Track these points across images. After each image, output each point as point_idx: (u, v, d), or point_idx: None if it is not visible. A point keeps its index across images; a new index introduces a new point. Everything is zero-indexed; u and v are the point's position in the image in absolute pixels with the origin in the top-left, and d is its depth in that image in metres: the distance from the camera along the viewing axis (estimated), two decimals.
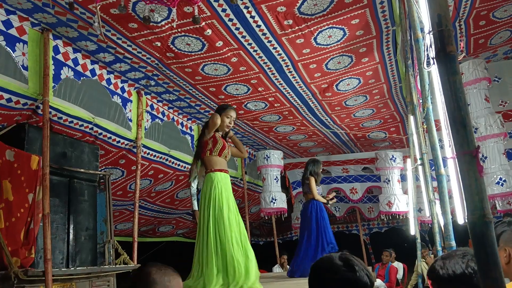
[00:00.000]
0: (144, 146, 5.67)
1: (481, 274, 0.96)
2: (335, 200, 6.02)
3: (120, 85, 5.24)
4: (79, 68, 4.56)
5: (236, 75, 5.34)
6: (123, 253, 4.74)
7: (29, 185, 3.72)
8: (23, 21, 3.88)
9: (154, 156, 5.99)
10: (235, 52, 4.75)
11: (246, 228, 8.69)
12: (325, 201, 5.98)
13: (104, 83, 4.96)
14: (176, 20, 3.97)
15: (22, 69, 3.86)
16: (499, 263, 0.94)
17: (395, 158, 8.56)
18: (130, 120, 5.38)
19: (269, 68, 5.21)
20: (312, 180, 6.03)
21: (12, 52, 3.77)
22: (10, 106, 3.85)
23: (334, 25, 4.41)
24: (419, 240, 7.48)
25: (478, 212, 0.97)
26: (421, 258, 7.50)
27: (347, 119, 7.41)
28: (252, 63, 5.05)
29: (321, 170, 6.24)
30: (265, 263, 9.74)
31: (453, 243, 2.82)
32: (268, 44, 4.64)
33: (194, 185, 5.72)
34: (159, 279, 1.63)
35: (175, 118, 6.49)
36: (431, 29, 1.12)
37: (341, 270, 1.45)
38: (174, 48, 4.55)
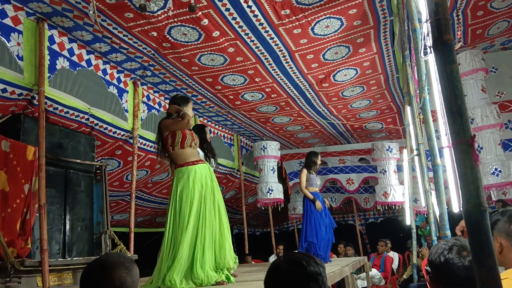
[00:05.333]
0: (141, 137, 5.65)
1: (475, 262, 0.96)
2: (320, 206, 5.97)
3: (116, 75, 5.21)
4: (74, 58, 4.53)
5: (233, 66, 5.32)
6: (120, 244, 4.74)
7: (25, 175, 3.71)
8: (18, 11, 3.84)
9: (151, 146, 5.98)
10: (232, 42, 4.73)
11: (242, 218, 8.76)
12: (311, 196, 5.94)
13: (100, 73, 4.93)
14: (172, 9, 3.93)
15: (17, 59, 3.83)
16: (493, 251, 0.95)
17: (392, 149, 8.58)
18: (126, 111, 5.36)
19: (266, 59, 5.20)
20: (303, 172, 6.02)
21: (7, 42, 3.73)
22: (5, 96, 3.83)
23: (331, 15, 4.39)
24: (414, 230, 7.53)
25: (473, 200, 0.97)
26: (416, 252, 7.55)
27: (344, 110, 7.41)
28: (249, 54, 5.02)
29: (318, 161, 6.20)
30: (261, 253, 9.81)
31: (448, 233, 2.85)
32: (265, 34, 4.61)
33: None
34: (132, 281, 1.51)
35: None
36: (428, 18, 1.12)
37: (292, 272, 1.47)
38: (170, 38, 4.52)
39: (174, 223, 3.60)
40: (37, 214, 3.69)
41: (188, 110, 3.88)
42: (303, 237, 5.86)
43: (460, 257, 1.60)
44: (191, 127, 3.98)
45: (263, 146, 8.46)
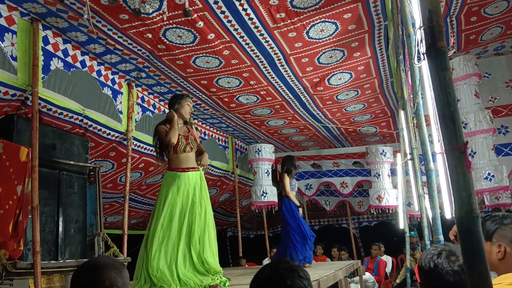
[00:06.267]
0: (135, 139, 5.63)
1: (467, 268, 0.97)
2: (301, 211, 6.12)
3: (110, 76, 5.19)
4: (69, 59, 4.51)
5: (228, 68, 5.32)
6: (113, 246, 4.72)
7: (18, 177, 3.68)
8: (12, 11, 3.82)
9: (145, 148, 5.97)
10: (227, 45, 4.73)
11: (236, 221, 8.75)
12: (296, 202, 6.03)
13: (94, 74, 4.91)
14: (167, 12, 3.93)
15: (11, 60, 3.81)
16: (485, 258, 0.95)
17: (386, 153, 8.61)
18: (121, 112, 5.34)
19: (261, 62, 5.20)
20: (286, 177, 6.06)
21: (0, 42, 3.71)
22: None
23: (326, 19, 4.41)
24: (407, 234, 7.56)
25: (465, 207, 0.98)
26: (409, 255, 7.57)
27: (338, 114, 7.43)
28: (244, 56, 5.03)
29: (295, 165, 6.28)
30: (255, 256, 9.80)
31: (441, 237, 2.86)
32: (260, 37, 4.62)
33: None
34: (122, 282, 1.52)
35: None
36: (422, 25, 1.12)
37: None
38: (165, 40, 4.52)
39: (157, 226, 3.56)
40: (29, 216, 3.66)
41: (183, 107, 3.90)
42: (306, 235, 5.86)
43: (449, 262, 1.61)
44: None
45: (258, 149, 8.46)
